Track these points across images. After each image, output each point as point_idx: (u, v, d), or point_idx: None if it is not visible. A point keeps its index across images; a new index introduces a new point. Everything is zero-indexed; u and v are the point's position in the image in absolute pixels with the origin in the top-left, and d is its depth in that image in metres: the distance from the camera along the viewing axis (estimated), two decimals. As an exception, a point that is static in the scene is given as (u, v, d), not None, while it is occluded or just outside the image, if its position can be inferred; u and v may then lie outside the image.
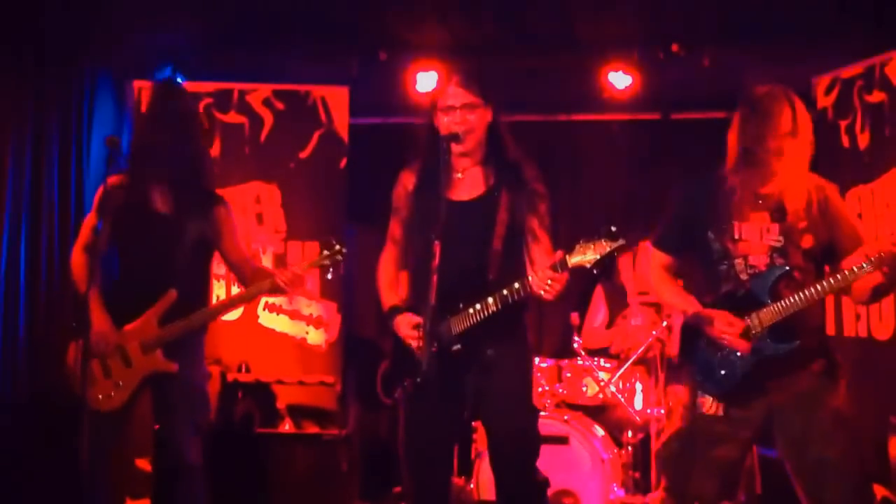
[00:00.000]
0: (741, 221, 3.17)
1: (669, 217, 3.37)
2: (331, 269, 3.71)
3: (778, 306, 3.07)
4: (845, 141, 5.21)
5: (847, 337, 5.05)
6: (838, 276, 3.04)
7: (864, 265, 2.98)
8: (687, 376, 3.44)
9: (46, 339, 5.14)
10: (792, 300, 3.05)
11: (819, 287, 3.04)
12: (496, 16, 5.38)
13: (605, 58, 5.64)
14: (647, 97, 5.84)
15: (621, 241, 3.03)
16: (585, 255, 3.03)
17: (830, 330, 5.10)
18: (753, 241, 3.15)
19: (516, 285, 3.14)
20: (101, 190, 3.61)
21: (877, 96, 5.04)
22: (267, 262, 5.71)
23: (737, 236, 3.17)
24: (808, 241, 3.13)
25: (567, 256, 3.06)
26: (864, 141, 5.11)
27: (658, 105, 6.12)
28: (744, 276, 3.15)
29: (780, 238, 3.13)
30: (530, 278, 3.11)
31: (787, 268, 3.11)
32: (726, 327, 3.11)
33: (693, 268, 3.37)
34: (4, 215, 5.06)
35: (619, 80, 5.65)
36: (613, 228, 3.03)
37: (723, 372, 3.14)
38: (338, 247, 3.65)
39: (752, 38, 5.42)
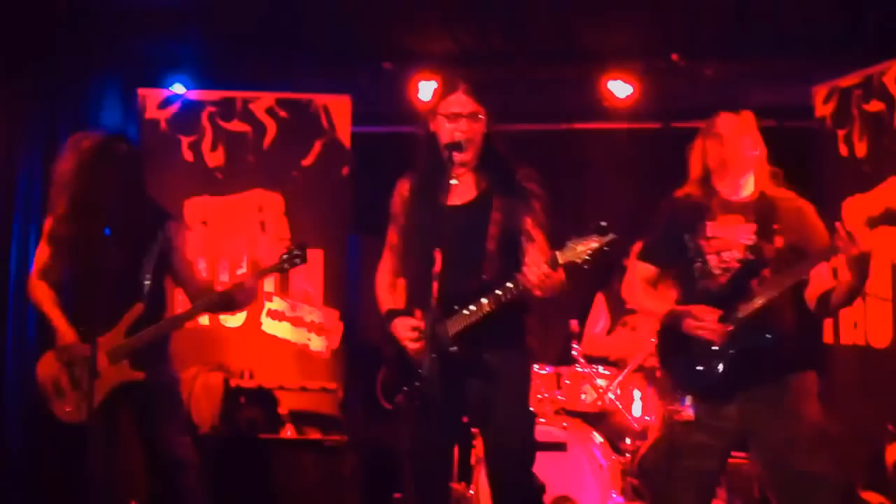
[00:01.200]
0: (713, 221, 3.33)
1: (658, 230, 3.50)
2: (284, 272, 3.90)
3: (752, 301, 3.17)
4: (843, 150, 5.24)
5: (844, 345, 5.08)
6: (808, 264, 3.16)
7: (830, 252, 3.09)
8: (665, 385, 3.50)
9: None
10: (764, 293, 3.17)
11: (788, 277, 3.16)
12: (500, 26, 5.42)
13: (606, 67, 5.69)
14: (648, 107, 5.88)
15: (612, 236, 3.04)
16: (576, 252, 3.05)
17: (828, 338, 5.14)
18: (727, 239, 3.29)
19: (509, 284, 3.15)
20: (49, 222, 3.82)
21: (875, 105, 5.07)
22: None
23: (709, 234, 3.31)
24: (780, 241, 3.25)
25: (558, 254, 3.08)
26: (861, 150, 5.14)
27: (659, 114, 6.15)
28: (717, 272, 3.28)
29: (754, 237, 3.26)
30: (523, 274, 3.12)
31: (760, 264, 3.22)
32: (702, 316, 3.20)
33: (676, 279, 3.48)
34: (15, 222, 5.12)
35: (621, 89, 5.70)
36: (603, 223, 3.05)
37: (700, 368, 3.21)
38: (297, 252, 3.76)
39: (753, 48, 5.47)
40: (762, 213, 3.30)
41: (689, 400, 3.22)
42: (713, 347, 3.19)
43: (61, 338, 3.74)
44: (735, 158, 3.36)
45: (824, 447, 3.15)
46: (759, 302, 3.17)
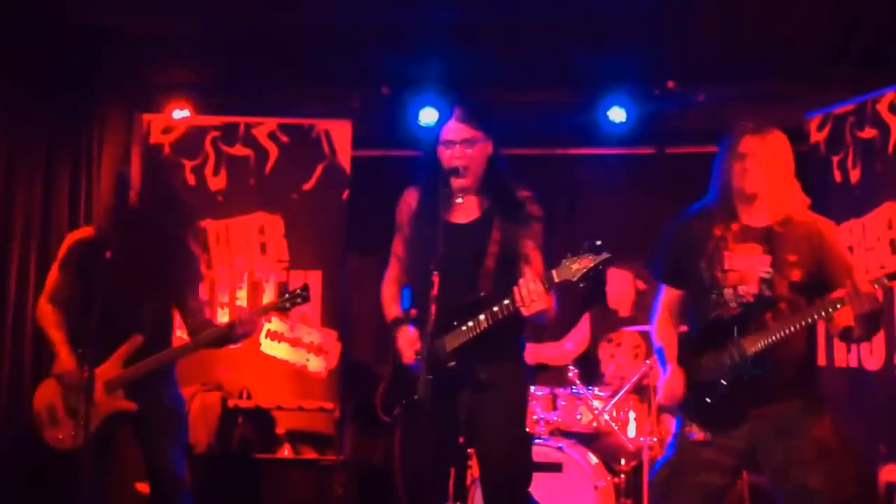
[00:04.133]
0: (731, 252, 3.22)
1: (669, 250, 3.41)
2: (286, 311, 3.93)
3: (761, 335, 3.12)
4: (837, 176, 5.29)
5: (838, 367, 5.11)
6: (817, 310, 3.08)
7: (838, 303, 3.02)
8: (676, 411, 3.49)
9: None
10: (776, 330, 3.10)
11: (800, 319, 3.09)
12: (496, 51, 5.50)
13: (602, 93, 5.77)
14: (642, 132, 5.95)
15: (605, 255, 3.12)
16: (571, 270, 3.12)
17: (821, 360, 5.17)
18: (743, 271, 3.20)
19: (506, 301, 3.20)
20: (67, 244, 3.89)
21: (868, 132, 5.12)
22: (270, 290, 5.82)
23: (727, 267, 3.21)
24: (796, 274, 3.16)
25: (553, 272, 3.15)
26: (855, 176, 5.18)
27: (653, 139, 6.21)
28: (733, 305, 3.20)
29: (770, 269, 3.17)
30: (515, 290, 3.17)
31: (774, 299, 3.15)
32: (671, 394, 3.24)
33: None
34: (16, 243, 5.17)
35: (616, 114, 5.79)
36: (598, 242, 3.12)
37: (707, 399, 3.20)
38: (300, 292, 3.81)
39: (747, 75, 5.54)
40: (781, 242, 3.19)
41: (697, 425, 3.22)
42: (720, 381, 3.17)
43: (60, 364, 3.80)
44: (758, 182, 3.20)
45: (825, 463, 3.09)
46: (770, 339, 3.11)
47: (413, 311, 3.43)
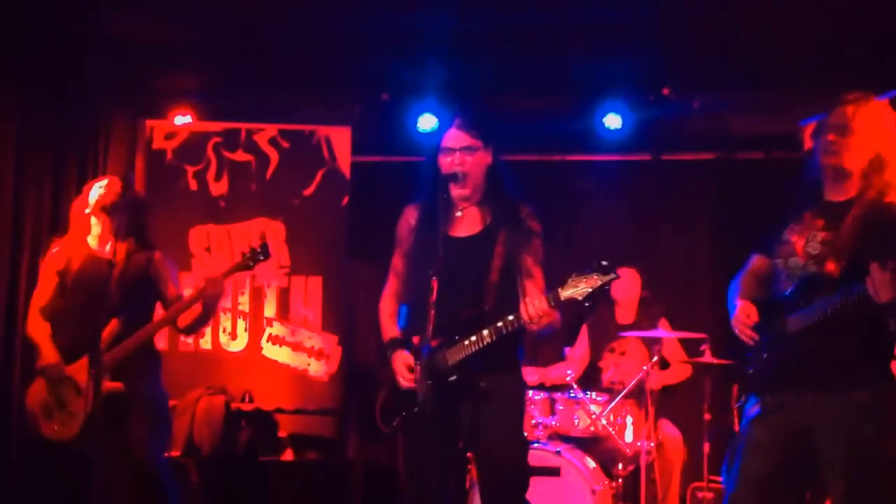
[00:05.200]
0: (798, 223, 3.07)
1: (777, 219, 3.21)
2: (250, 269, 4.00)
3: (806, 314, 2.95)
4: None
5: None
6: (853, 292, 2.85)
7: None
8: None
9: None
10: (818, 310, 2.92)
11: (839, 301, 2.88)
12: (495, 59, 5.55)
13: (598, 100, 5.82)
14: (638, 138, 6.00)
15: (613, 276, 3.12)
16: (577, 289, 3.12)
17: None
18: (796, 245, 3.05)
19: (510, 317, 3.22)
20: (48, 257, 4.07)
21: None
22: (271, 295, 5.88)
23: (785, 238, 3.09)
24: (843, 259, 2.95)
25: (560, 290, 3.15)
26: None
27: (649, 146, 6.26)
28: (783, 277, 3.07)
29: (821, 246, 3.00)
30: (522, 308, 3.19)
31: (821, 278, 2.96)
32: (741, 318, 3.06)
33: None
34: (26, 247, 5.22)
35: (612, 121, 5.84)
36: (605, 262, 3.11)
37: (751, 369, 3.08)
38: (259, 250, 3.91)
39: (742, 82, 5.59)
40: (847, 219, 2.97)
41: (753, 399, 3.05)
42: (763, 354, 3.02)
43: (43, 358, 3.92)
44: (843, 157, 2.98)
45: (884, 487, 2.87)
46: (812, 319, 2.92)
47: (415, 339, 3.39)
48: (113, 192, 4.00)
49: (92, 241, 4.06)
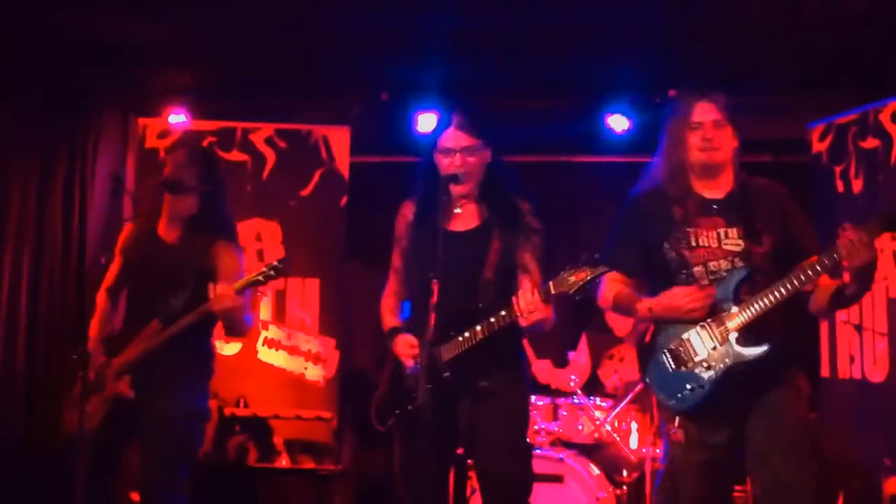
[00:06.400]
0: (696, 228, 3.08)
1: (622, 237, 3.25)
2: (262, 284, 3.60)
3: (745, 310, 2.95)
4: (840, 186, 5.28)
5: (841, 379, 5.08)
6: (801, 272, 2.90)
7: (826, 259, 2.86)
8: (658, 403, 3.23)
9: (46, 373, 5.18)
10: (760, 302, 2.93)
11: (781, 286, 2.91)
12: (498, 58, 5.49)
13: (603, 101, 5.75)
14: (644, 140, 5.92)
15: (602, 269, 3.08)
16: (568, 282, 3.09)
17: (825, 371, 5.14)
18: (712, 247, 3.05)
19: (503, 312, 3.18)
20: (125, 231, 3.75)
21: (871, 142, 5.12)
22: (267, 298, 5.77)
23: (693, 243, 3.07)
24: (767, 243, 3.02)
25: (550, 284, 3.12)
26: (858, 186, 5.18)
27: (655, 148, 6.18)
28: (704, 282, 3.03)
29: (740, 241, 3.03)
30: (514, 302, 3.15)
31: (748, 270, 2.99)
32: (687, 298, 2.99)
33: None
34: (9, 247, 5.14)
35: (617, 123, 5.77)
36: (596, 256, 3.08)
37: (689, 387, 2.99)
38: (276, 265, 3.52)
39: (749, 85, 5.52)
40: (744, 212, 3.04)
41: (678, 421, 3.03)
42: (704, 367, 2.96)
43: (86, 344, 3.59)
44: (716, 152, 3.08)
45: (805, 443, 2.95)
46: (751, 314, 2.94)
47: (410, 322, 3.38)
48: (171, 168, 3.65)
49: (161, 221, 3.71)
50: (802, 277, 2.91)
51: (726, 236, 3.06)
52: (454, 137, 3.38)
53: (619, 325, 5.44)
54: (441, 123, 3.49)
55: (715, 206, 3.09)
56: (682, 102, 3.17)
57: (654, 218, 3.14)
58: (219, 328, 3.69)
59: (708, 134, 3.09)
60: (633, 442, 5.02)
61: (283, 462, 5.18)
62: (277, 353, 5.72)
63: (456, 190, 3.37)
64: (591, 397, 5.11)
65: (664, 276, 3.11)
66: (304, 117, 5.95)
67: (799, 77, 5.39)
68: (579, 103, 5.80)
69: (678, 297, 3.03)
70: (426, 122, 5.71)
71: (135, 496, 4.15)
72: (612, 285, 3.22)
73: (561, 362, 5.60)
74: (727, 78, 5.45)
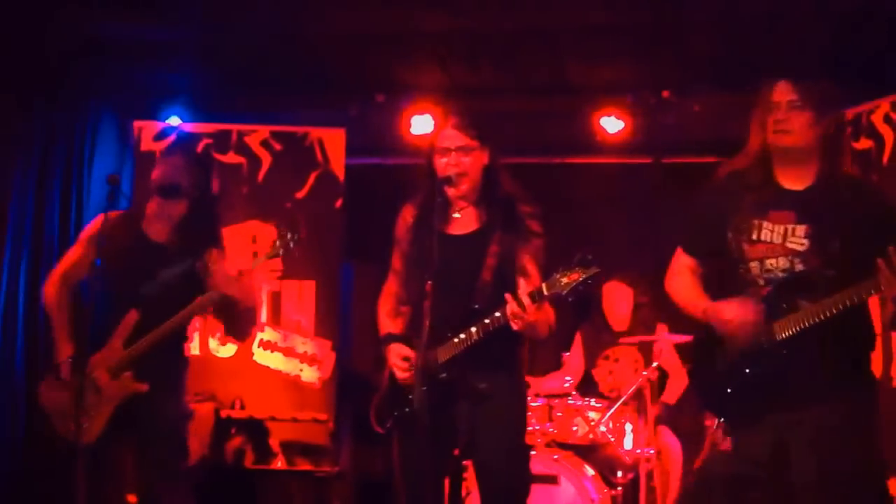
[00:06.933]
0: (763, 220, 2.84)
1: (695, 217, 3.08)
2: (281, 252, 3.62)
3: (792, 319, 2.74)
4: (833, 185, 5.28)
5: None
6: (849, 295, 2.66)
7: (871, 287, 2.62)
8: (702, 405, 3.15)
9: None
10: (811, 311, 2.71)
11: (834, 304, 2.68)
12: (493, 60, 5.49)
13: (598, 103, 5.76)
14: (638, 141, 5.95)
15: (595, 270, 3.07)
16: (560, 284, 3.08)
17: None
18: (775, 243, 2.82)
19: (497, 314, 3.17)
20: (97, 222, 3.65)
21: (864, 143, 5.13)
22: (263, 300, 5.77)
23: (755, 237, 2.85)
24: (834, 247, 2.75)
25: (543, 285, 3.11)
26: (852, 185, 5.18)
27: (650, 149, 6.21)
28: (760, 281, 2.83)
29: (805, 241, 2.79)
30: (508, 303, 3.14)
31: (809, 276, 2.76)
32: (737, 310, 2.80)
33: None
34: (6, 248, 5.13)
35: (612, 124, 5.78)
36: (589, 257, 3.07)
37: (729, 390, 2.84)
38: (288, 234, 3.55)
39: (742, 85, 5.52)
40: (820, 210, 2.76)
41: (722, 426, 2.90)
42: (746, 371, 2.78)
43: (57, 354, 3.56)
44: (787, 135, 2.81)
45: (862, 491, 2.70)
46: (802, 323, 2.71)
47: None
48: (167, 171, 3.62)
49: (144, 220, 3.68)
50: (850, 300, 2.69)
51: (793, 233, 2.81)
52: (450, 136, 3.38)
53: (617, 319, 5.45)
54: (437, 125, 3.50)
55: (791, 198, 2.83)
56: (768, 82, 2.93)
57: (727, 201, 2.92)
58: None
59: (781, 115, 2.83)
60: (628, 443, 5.02)
61: (280, 464, 5.18)
62: (273, 355, 5.72)
63: (452, 193, 3.36)
64: (586, 398, 5.10)
65: (728, 267, 2.93)
66: (299, 119, 5.95)
67: (793, 75, 5.39)
68: (573, 104, 5.80)
69: (726, 313, 2.85)
70: (421, 123, 5.73)
71: (132, 498, 4.14)
72: (681, 277, 3.06)
73: (554, 365, 5.62)
74: (720, 77, 5.48)
